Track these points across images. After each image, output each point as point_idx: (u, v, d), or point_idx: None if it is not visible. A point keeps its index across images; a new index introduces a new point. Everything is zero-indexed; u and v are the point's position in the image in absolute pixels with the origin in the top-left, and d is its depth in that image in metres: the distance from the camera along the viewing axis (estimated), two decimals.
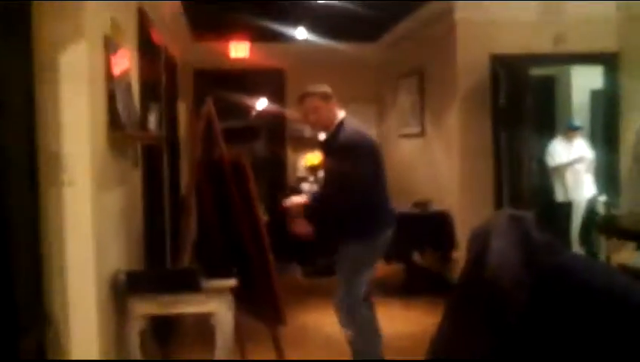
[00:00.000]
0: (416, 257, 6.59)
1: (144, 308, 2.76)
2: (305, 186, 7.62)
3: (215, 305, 2.83)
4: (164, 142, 5.04)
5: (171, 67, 5.81)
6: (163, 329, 3.61)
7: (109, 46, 2.71)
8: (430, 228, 6.17)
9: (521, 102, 5.41)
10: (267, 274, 3.51)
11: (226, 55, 8.16)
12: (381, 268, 6.80)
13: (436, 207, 6.32)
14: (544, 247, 1.79)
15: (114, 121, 2.70)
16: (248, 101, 9.50)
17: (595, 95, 7.97)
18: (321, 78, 8.49)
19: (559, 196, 6.93)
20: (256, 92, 9.50)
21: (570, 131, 7.02)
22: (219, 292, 2.85)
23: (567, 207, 6.95)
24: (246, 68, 8.33)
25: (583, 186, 6.99)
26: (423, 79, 6.89)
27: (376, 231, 3.73)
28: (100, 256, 2.50)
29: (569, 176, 6.95)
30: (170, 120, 5.46)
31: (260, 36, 7.80)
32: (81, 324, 2.32)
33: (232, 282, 2.91)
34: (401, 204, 6.64)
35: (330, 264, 4.22)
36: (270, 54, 8.21)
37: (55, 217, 2.26)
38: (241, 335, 3.98)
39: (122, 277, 2.73)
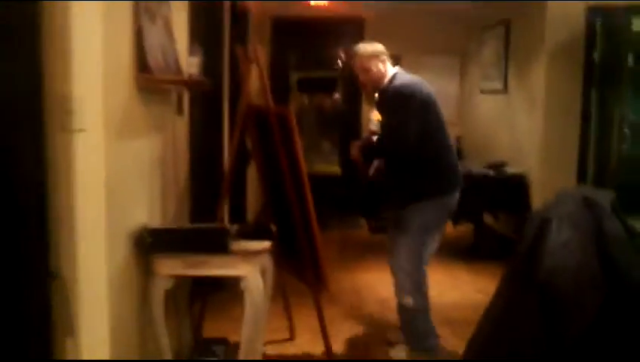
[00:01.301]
0: (488, 220, 6.19)
1: (168, 267, 2.60)
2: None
3: (245, 269, 2.62)
4: (225, 89, 4.86)
5: (240, 12, 5.56)
6: (204, 285, 3.47)
7: None
8: (504, 190, 5.77)
9: (619, 59, 4.82)
10: (310, 237, 3.29)
11: (305, 2, 7.86)
12: (448, 229, 6.48)
13: (513, 168, 5.86)
14: (622, 248, 1.39)
15: (141, 63, 2.49)
16: (331, 52, 9.21)
17: None
18: (402, 28, 8.15)
19: None
20: (336, 41, 9.17)
21: None
22: (250, 255, 2.64)
23: None
24: (325, 16, 7.99)
25: None
26: (509, 31, 6.33)
27: (442, 189, 3.51)
28: (117, 209, 2.33)
29: None
30: (233, 67, 5.25)
31: None
32: (91, 281, 2.16)
33: (264, 245, 2.69)
34: (475, 164, 6.24)
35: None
36: (350, 3, 7.81)
37: (64, 166, 2.08)
38: (285, 293, 3.82)
39: (145, 234, 2.56)
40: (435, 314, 3.78)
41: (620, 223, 1.52)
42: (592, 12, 5.21)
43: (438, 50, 8.16)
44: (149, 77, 2.51)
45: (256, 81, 3.91)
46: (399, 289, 3.62)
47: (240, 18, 5.60)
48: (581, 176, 5.39)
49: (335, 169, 8.18)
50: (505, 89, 6.44)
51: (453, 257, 5.76)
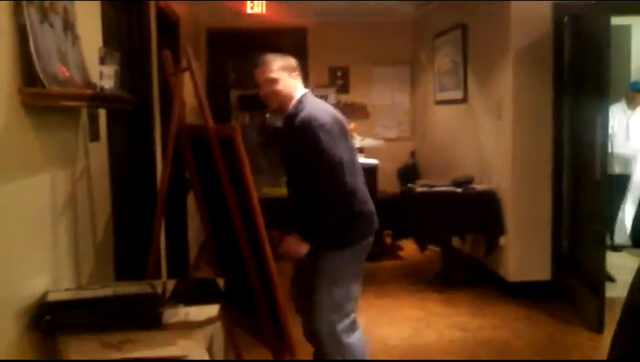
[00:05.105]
0: (455, 242, 5.64)
1: (79, 352, 1.89)
2: None
3: (185, 347, 1.94)
4: (155, 107, 4.16)
5: (169, 19, 4.87)
6: None
7: None
8: (473, 209, 5.22)
9: (593, 59, 4.35)
10: (267, 284, 2.63)
11: (241, 12, 7.25)
12: (416, 256, 5.94)
13: (481, 185, 5.35)
14: None
15: (27, 73, 1.80)
16: None
17: None
18: (347, 37, 7.59)
19: (614, 169, 5.99)
20: (276, 54, 8.53)
21: (633, 93, 6.06)
22: (192, 327, 1.96)
23: (622, 181, 6.06)
24: (264, 26, 7.39)
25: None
26: (466, 35, 5.84)
27: (364, 232, 2.93)
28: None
29: (629, 147, 6.01)
30: (164, 82, 4.55)
31: None
32: None
33: (210, 312, 2.00)
34: (439, 181, 5.71)
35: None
36: (290, 10, 7.24)
37: None
38: (238, 347, 3.13)
39: (43, 309, 1.85)
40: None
41: None
42: (560, 9, 4.77)
43: (387, 61, 7.68)
44: (39, 92, 1.81)
45: (191, 96, 3.26)
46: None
47: (169, 26, 4.91)
48: (557, 191, 4.91)
49: (283, 191, 7.52)
50: (465, 98, 5.94)
51: (423, 286, 5.20)
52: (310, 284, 2.85)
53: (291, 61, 2.95)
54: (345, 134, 2.83)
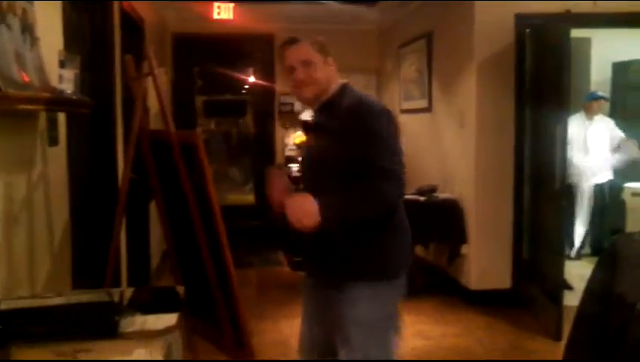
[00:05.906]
0: (420, 251, 5.69)
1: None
2: (294, 167, 6.69)
3: (142, 356, 1.91)
4: (117, 112, 4.10)
5: (132, 20, 4.82)
6: None
7: None
8: (437, 218, 5.27)
9: (553, 70, 4.44)
10: (229, 295, 2.61)
11: (208, 18, 7.23)
12: None
13: (444, 194, 5.40)
14: None
15: None
16: (238, 72, 8.55)
17: (617, 68, 7.10)
18: None
19: (572, 179, 6.07)
20: (243, 59, 8.52)
21: (590, 103, 6.19)
22: (149, 336, 1.93)
23: (575, 190, 6.20)
24: (230, 32, 7.38)
25: (597, 170, 6.24)
26: (431, 45, 5.91)
27: (407, 260, 2.36)
28: None
29: (583, 157, 6.13)
30: (128, 85, 4.50)
31: None
32: None
33: (168, 321, 1.98)
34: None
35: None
36: (257, 16, 7.24)
37: None
38: (197, 355, 3.09)
39: None
40: None
41: None
42: (521, 20, 4.85)
43: (354, 69, 7.68)
44: None
45: (156, 100, 3.22)
46: None
47: (134, 29, 4.85)
48: (518, 201, 4.99)
49: (249, 198, 7.50)
50: (429, 107, 6.00)
51: None
52: (338, 334, 2.24)
53: (326, 42, 2.39)
54: (397, 131, 2.27)
